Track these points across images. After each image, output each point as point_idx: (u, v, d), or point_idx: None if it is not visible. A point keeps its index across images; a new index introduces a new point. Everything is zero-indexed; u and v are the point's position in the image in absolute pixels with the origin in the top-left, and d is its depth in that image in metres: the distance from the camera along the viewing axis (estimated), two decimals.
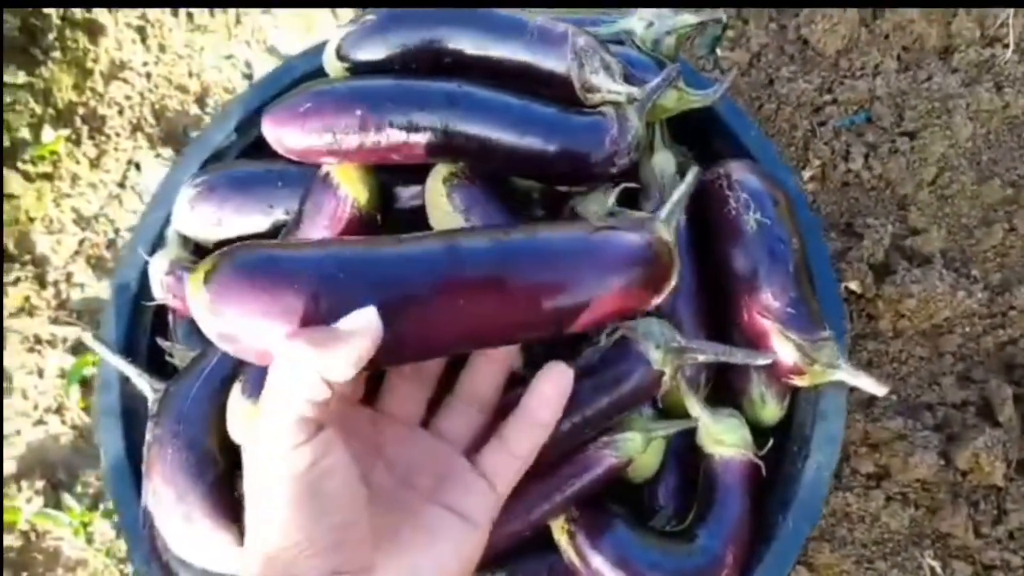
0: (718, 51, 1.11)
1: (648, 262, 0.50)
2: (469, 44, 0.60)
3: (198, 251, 0.69)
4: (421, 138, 0.57)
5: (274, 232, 0.65)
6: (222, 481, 0.58)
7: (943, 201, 0.98)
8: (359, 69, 0.61)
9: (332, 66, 0.62)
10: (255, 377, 0.55)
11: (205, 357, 0.62)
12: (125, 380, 0.66)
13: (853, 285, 0.95)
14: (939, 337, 0.94)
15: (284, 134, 0.58)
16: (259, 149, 0.69)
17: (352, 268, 0.44)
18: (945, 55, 1.06)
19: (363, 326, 0.42)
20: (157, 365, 0.68)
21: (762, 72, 1.08)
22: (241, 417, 0.56)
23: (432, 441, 0.52)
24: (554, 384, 0.51)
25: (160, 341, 0.68)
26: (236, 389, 0.56)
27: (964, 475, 0.87)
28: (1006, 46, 1.03)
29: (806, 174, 1.03)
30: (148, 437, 0.59)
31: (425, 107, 0.57)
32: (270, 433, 0.42)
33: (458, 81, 0.58)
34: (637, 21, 0.66)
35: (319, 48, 0.71)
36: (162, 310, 0.70)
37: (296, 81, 0.71)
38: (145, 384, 0.63)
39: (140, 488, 0.62)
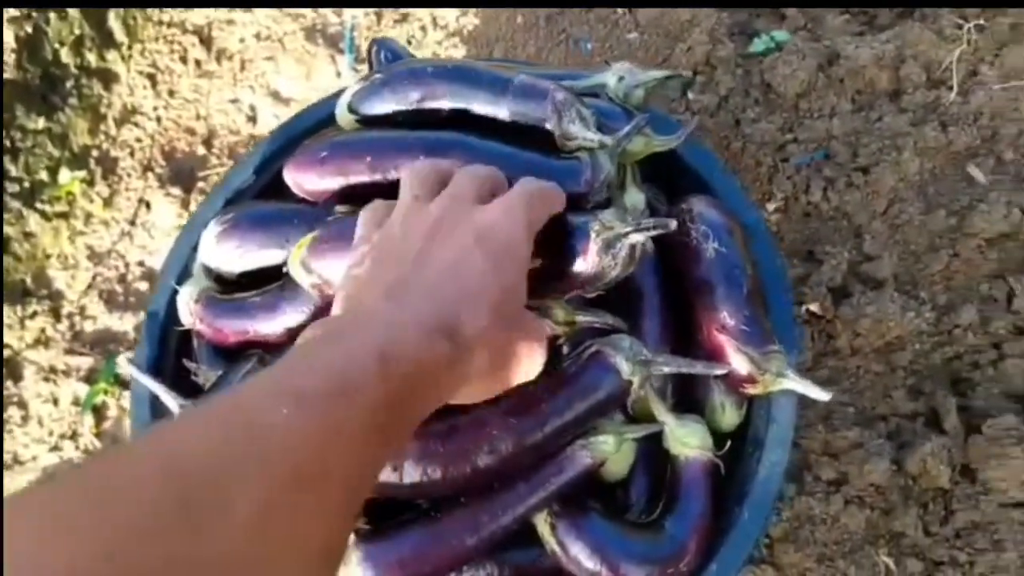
0: (689, 94, 1.20)
1: None
2: (462, 100, 0.68)
3: (220, 282, 0.77)
4: None
5: None
6: None
7: (894, 230, 1.06)
8: (367, 122, 0.70)
9: (344, 119, 0.70)
10: None
11: (226, 376, 0.71)
12: (154, 397, 0.74)
13: (814, 307, 1.03)
14: (891, 354, 1.02)
15: (303, 178, 0.67)
16: (273, 190, 0.78)
17: None
18: (895, 97, 1.14)
19: None
20: (182, 384, 0.76)
21: (729, 114, 1.17)
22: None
23: None
24: None
25: (186, 362, 0.76)
26: None
27: (914, 479, 0.94)
28: (950, 88, 1.11)
29: (770, 206, 1.11)
30: None
31: (425, 154, 0.66)
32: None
33: (454, 131, 0.67)
34: (610, 76, 0.75)
35: (324, 102, 0.80)
36: (187, 336, 0.78)
37: (307, 131, 0.78)
38: (171, 400, 0.71)
39: None
